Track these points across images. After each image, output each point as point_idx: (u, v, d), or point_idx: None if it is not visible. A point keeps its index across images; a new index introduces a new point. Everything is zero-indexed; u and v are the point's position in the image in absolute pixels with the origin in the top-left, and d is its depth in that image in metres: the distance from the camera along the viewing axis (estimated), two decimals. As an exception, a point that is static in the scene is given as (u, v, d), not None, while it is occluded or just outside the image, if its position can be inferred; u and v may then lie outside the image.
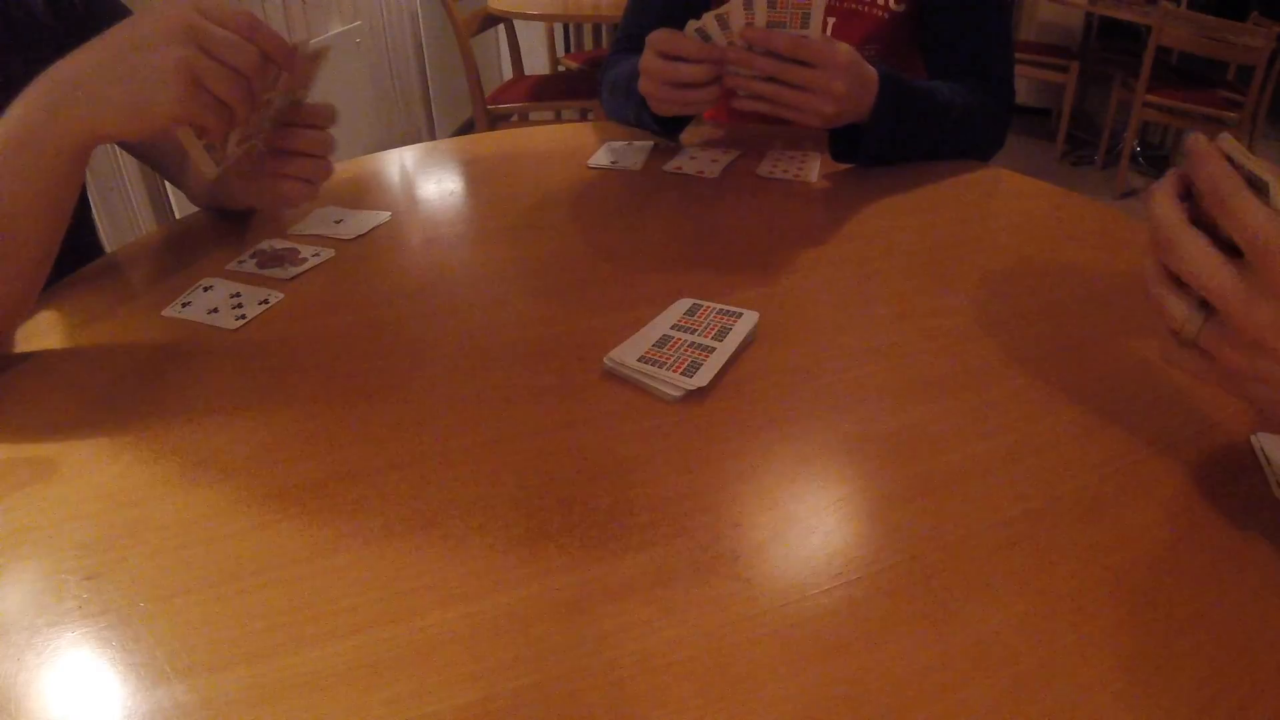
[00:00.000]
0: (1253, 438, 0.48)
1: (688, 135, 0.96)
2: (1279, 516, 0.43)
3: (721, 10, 0.75)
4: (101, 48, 0.54)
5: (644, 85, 0.81)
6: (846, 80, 0.76)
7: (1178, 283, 0.40)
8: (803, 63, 0.76)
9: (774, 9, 0.74)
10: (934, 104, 0.86)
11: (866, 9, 0.98)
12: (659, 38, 0.79)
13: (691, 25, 0.77)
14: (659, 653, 0.36)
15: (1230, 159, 0.37)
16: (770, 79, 0.77)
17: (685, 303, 0.61)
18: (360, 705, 0.34)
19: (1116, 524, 0.43)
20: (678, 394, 0.52)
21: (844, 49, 0.76)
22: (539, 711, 0.34)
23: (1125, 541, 0.42)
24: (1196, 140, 0.39)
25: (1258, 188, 0.36)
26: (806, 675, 0.35)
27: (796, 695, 0.34)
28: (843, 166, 0.87)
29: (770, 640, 0.37)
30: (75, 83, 0.54)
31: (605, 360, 0.54)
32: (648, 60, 0.80)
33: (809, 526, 0.43)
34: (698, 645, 0.36)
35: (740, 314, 0.59)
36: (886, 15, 0.97)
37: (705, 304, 0.60)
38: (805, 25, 0.75)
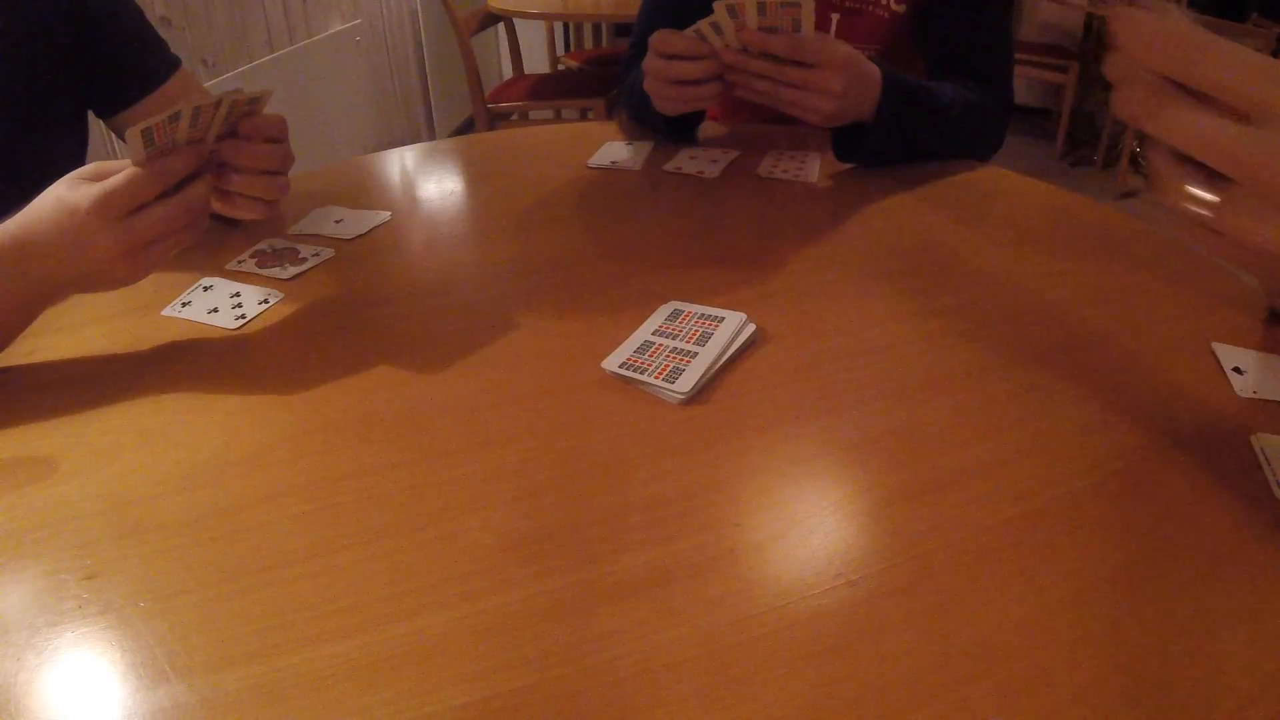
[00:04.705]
0: (1253, 438, 0.48)
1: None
2: (1279, 516, 0.43)
3: (714, 18, 0.75)
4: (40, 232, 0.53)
5: (647, 84, 0.83)
6: (844, 79, 0.77)
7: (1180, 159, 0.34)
8: (799, 63, 0.76)
9: (764, 15, 0.74)
10: (935, 104, 0.86)
11: (869, 9, 0.98)
12: (657, 37, 0.80)
13: (693, 27, 0.78)
14: (659, 653, 0.36)
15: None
16: (767, 78, 0.78)
17: (668, 308, 0.60)
18: (360, 705, 0.34)
19: (1116, 524, 0.43)
20: (680, 396, 0.51)
21: (842, 47, 0.77)
22: (539, 711, 0.34)
23: (1125, 541, 0.42)
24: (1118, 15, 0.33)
25: None
26: (806, 675, 0.35)
27: (796, 695, 0.34)
28: (843, 167, 0.87)
29: (770, 640, 0.37)
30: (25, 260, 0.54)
31: (601, 365, 0.54)
32: (649, 61, 0.81)
33: (809, 526, 0.43)
34: (697, 645, 0.36)
35: (723, 318, 0.58)
36: (888, 15, 0.97)
37: (688, 309, 0.60)
38: (798, 30, 0.75)
